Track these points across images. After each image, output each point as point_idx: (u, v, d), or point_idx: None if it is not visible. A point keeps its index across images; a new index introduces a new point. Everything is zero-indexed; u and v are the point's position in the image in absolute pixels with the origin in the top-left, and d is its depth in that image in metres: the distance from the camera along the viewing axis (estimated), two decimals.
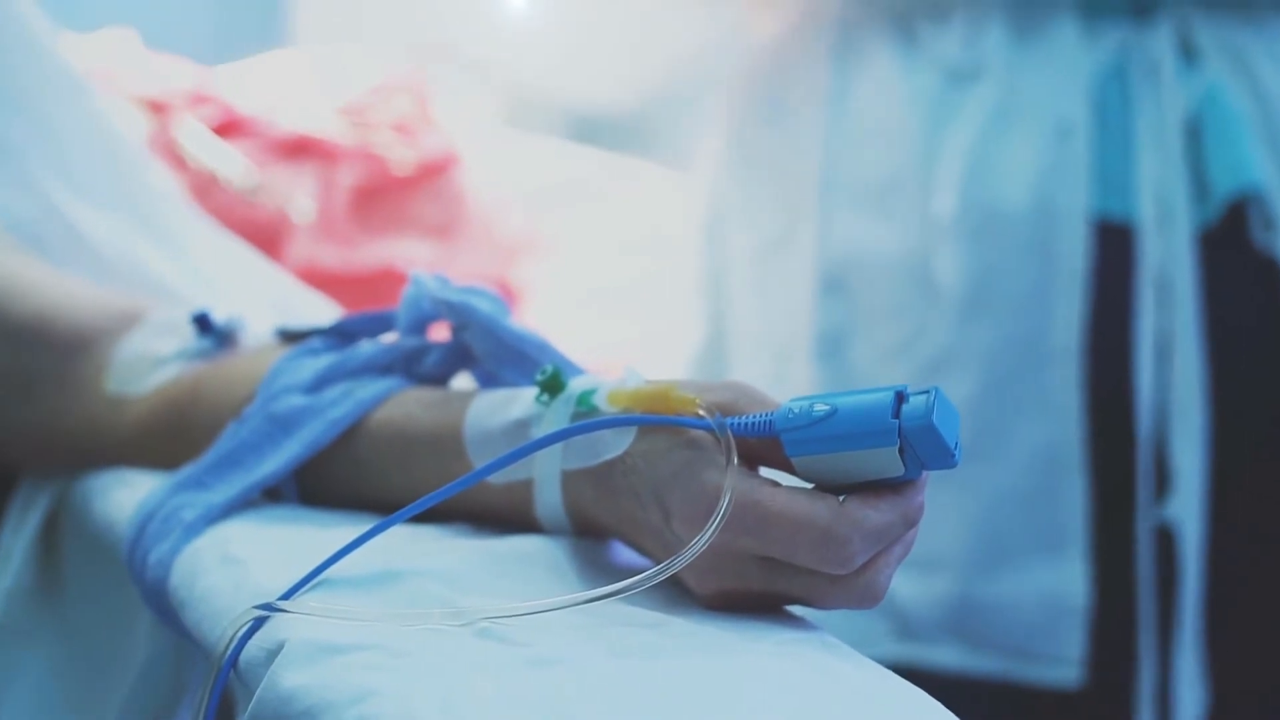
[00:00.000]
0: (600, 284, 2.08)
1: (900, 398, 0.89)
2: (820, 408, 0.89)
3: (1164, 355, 1.63)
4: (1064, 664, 1.66)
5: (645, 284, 2.08)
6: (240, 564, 0.97)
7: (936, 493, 1.68)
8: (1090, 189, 1.65)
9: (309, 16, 2.97)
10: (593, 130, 2.85)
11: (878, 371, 1.72)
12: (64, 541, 1.22)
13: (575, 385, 0.98)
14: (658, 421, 0.93)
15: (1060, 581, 1.65)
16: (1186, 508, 1.63)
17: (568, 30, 2.96)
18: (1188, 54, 1.65)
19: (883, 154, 1.72)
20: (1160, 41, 1.64)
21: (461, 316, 1.05)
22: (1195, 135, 1.63)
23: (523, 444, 0.96)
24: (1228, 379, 1.63)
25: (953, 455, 0.89)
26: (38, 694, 1.21)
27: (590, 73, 2.95)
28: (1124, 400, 1.65)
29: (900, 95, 1.71)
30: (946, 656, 1.66)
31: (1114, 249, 1.65)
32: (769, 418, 0.91)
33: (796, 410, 0.90)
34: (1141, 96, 1.64)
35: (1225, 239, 1.64)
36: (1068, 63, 1.65)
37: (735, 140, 1.84)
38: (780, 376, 1.78)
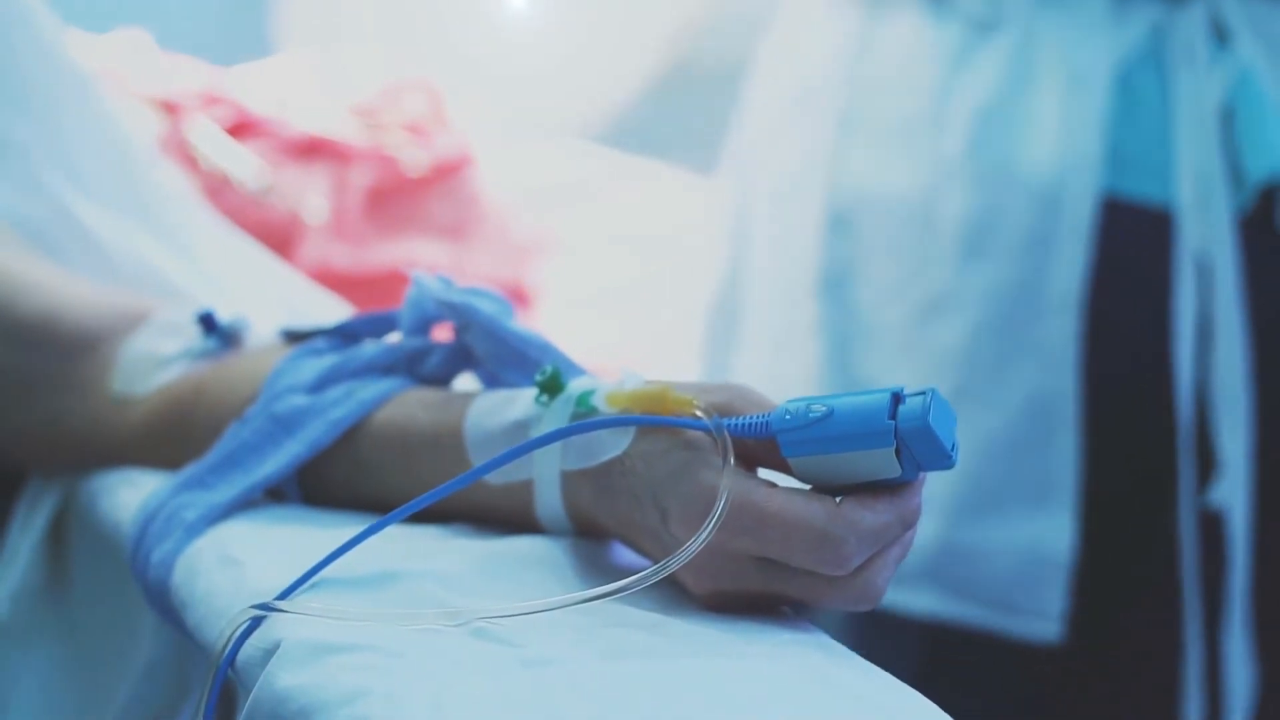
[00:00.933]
0: (606, 284, 2.08)
1: (897, 399, 0.89)
2: (817, 409, 0.89)
3: (1204, 339, 1.62)
4: (1044, 618, 1.64)
5: (653, 284, 2.08)
6: (240, 564, 0.97)
7: None
8: (1114, 155, 1.64)
9: (312, 18, 2.98)
10: (597, 130, 2.86)
11: (879, 310, 1.72)
12: (70, 541, 1.22)
13: (574, 386, 0.98)
14: (655, 422, 0.93)
15: (1045, 534, 1.64)
16: (1234, 491, 1.62)
17: (568, 31, 2.96)
18: (1220, 36, 1.65)
19: (900, 98, 1.72)
20: (1193, 23, 1.64)
21: (463, 317, 1.05)
22: (1229, 119, 1.63)
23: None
24: (1268, 364, 1.63)
25: (949, 456, 0.89)
26: (43, 693, 1.21)
27: (592, 73, 2.95)
28: (1162, 382, 1.64)
29: (923, 42, 1.71)
30: (924, 602, 1.64)
31: (1153, 234, 1.64)
32: (765, 419, 0.91)
33: (793, 411, 0.90)
34: (1176, 80, 1.63)
35: (1260, 224, 1.63)
36: (1091, 23, 1.65)
37: (761, 89, 1.85)
38: (787, 316, 1.79)
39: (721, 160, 1.93)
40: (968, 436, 1.66)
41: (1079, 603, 1.65)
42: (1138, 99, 1.65)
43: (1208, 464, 1.63)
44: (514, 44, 2.96)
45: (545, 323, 1.84)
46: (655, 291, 2.07)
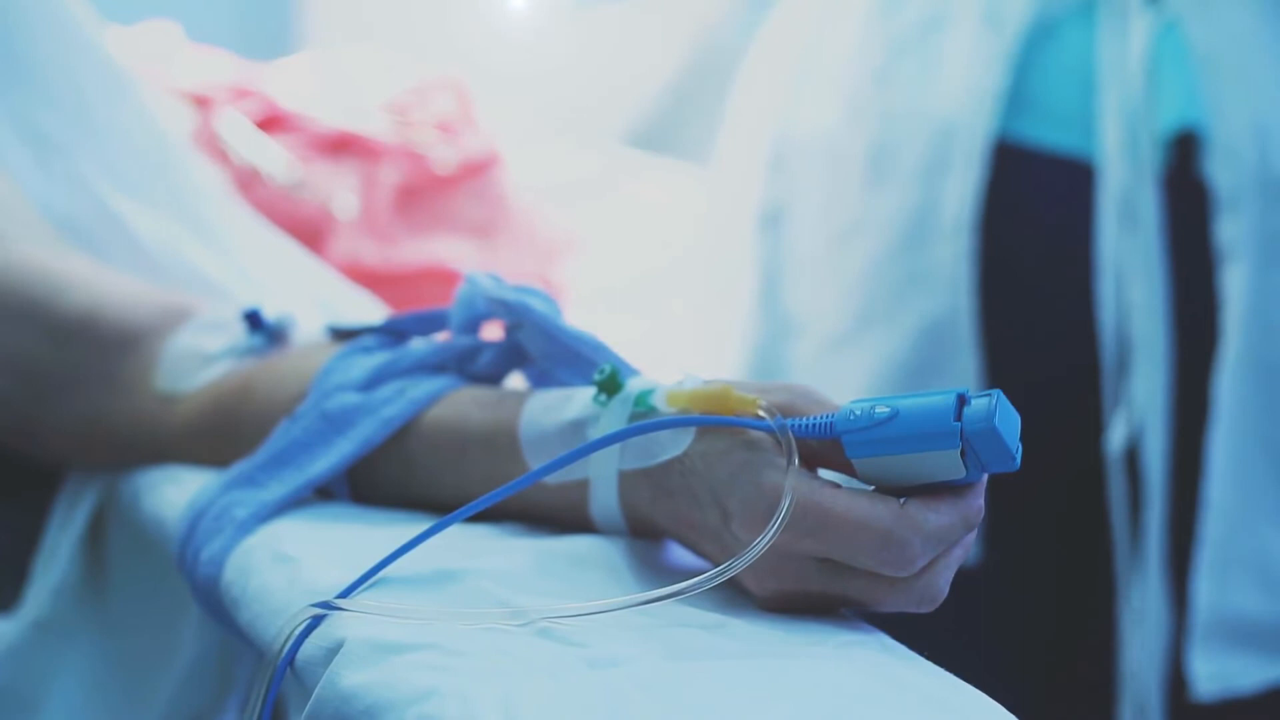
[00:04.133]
0: (624, 280, 2.08)
1: (962, 400, 0.89)
2: (882, 410, 0.89)
3: (1124, 285, 1.64)
4: None
5: (673, 279, 2.09)
6: (294, 562, 0.97)
7: (831, 360, 1.74)
8: (1030, 101, 1.67)
9: (333, 16, 2.98)
10: (616, 127, 2.86)
11: (803, 242, 1.77)
12: (111, 538, 1.22)
13: (633, 386, 0.98)
14: (717, 422, 0.93)
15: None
16: (1152, 439, 1.63)
17: (587, 29, 2.96)
18: None
19: (836, 44, 1.76)
20: None
21: (516, 315, 1.05)
22: (1154, 72, 1.65)
23: (579, 444, 0.96)
24: (1184, 315, 1.64)
25: (1014, 458, 0.89)
26: (83, 690, 1.21)
27: (611, 71, 2.95)
28: (1071, 326, 1.66)
29: None
30: None
31: (1068, 181, 1.65)
32: (830, 419, 0.91)
33: (858, 412, 0.90)
34: (1105, 34, 1.65)
35: (1179, 174, 1.65)
36: None
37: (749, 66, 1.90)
38: (735, 255, 1.84)
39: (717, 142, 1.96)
40: (867, 362, 1.71)
41: (991, 525, 1.66)
42: (1062, 52, 1.66)
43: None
44: (531, 43, 2.96)
45: (568, 319, 1.83)
46: (675, 287, 2.07)
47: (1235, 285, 1.63)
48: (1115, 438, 1.65)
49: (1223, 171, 1.63)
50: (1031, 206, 1.67)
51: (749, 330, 1.82)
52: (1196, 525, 1.64)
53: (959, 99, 1.67)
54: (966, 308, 1.67)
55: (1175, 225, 1.65)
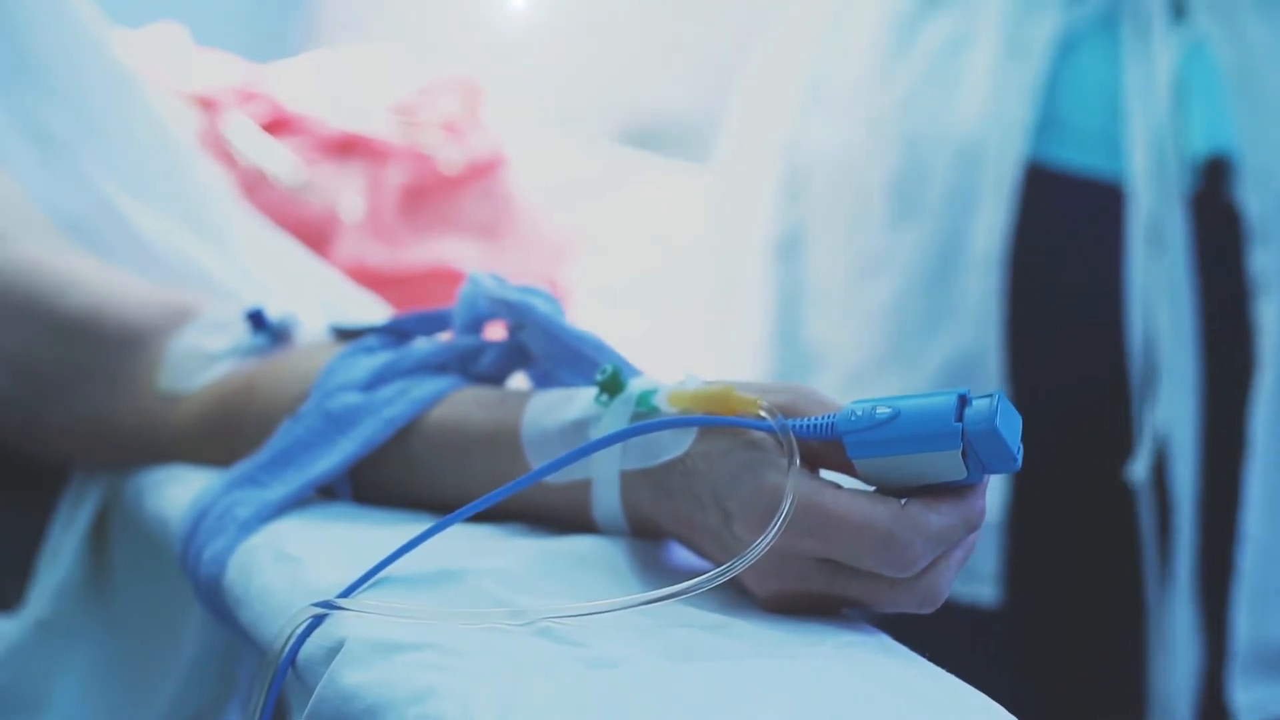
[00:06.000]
0: (627, 279, 2.08)
1: (963, 401, 0.89)
2: (883, 410, 0.89)
3: (1151, 310, 1.62)
4: (980, 580, 1.64)
5: (674, 279, 2.09)
6: (296, 562, 0.97)
7: (854, 395, 1.69)
8: (1057, 124, 1.65)
9: (339, 17, 2.98)
10: (619, 127, 2.86)
11: (822, 272, 1.73)
12: (114, 538, 1.22)
13: (635, 386, 0.98)
14: (719, 423, 0.93)
15: None
16: (1181, 465, 1.62)
17: (588, 28, 2.96)
18: (1176, 10, 1.64)
19: (852, 66, 1.73)
20: None
21: (519, 316, 1.05)
22: (1181, 92, 1.63)
23: (581, 444, 0.96)
24: (1214, 339, 1.63)
25: (1015, 459, 0.89)
26: (86, 689, 1.21)
27: (613, 70, 2.95)
28: (1097, 349, 1.64)
29: (880, 9, 1.72)
30: None
31: (1095, 204, 1.64)
32: (831, 420, 0.91)
33: (860, 413, 0.90)
34: (1128, 52, 1.63)
35: (1209, 198, 1.63)
36: None
37: (751, 71, 1.87)
38: (749, 280, 1.81)
39: (716, 152, 1.95)
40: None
41: (1018, 566, 1.65)
42: (1087, 72, 1.65)
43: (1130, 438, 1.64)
44: (531, 42, 2.96)
45: (571, 319, 1.83)
46: (677, 288, 2.07)
47: (1270, 317, 1.61)
48: (1139, 465, 1.63)
49: (1254, 198, 1.61)
50: (1060, 232, 1.64)
51: (765, 360, 1.80)
52: (1226, 553, 1.63)
53: (985, 124, 1.64)
54: (995, 345, 1.65)
55: (1207, 250, 1.63)
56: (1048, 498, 1.64)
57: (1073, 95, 1.65)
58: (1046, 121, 1.65)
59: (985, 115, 1.65)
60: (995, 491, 1.62)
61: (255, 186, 1.78)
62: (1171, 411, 1.61)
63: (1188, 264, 1.61)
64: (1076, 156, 1.64)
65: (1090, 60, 1.65)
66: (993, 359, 1.65)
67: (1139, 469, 1.62)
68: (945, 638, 1.59)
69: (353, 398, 1.06)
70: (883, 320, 1.69)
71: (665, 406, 0.96)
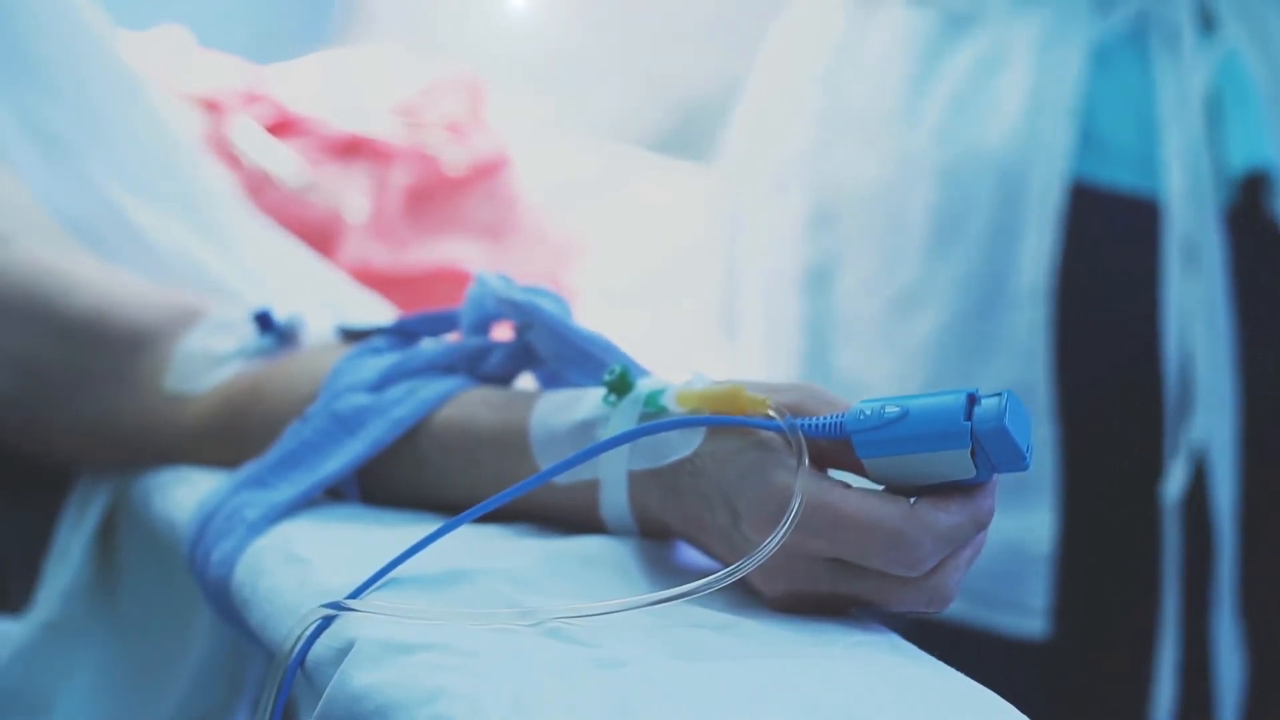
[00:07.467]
0: (627, 279, 2.08)
1: (972, 400, 0.89)
2: (892, 409, 0.89)
3: (1188, 327, 1.61)
4: (1028, 613, 1.63)
5: (676, 279, 2.09)
6: (304, 563, 0.97)
7: None
8: (1091, 142, 1.63)
9: (344, 17, 2.98)
10: (622, 129, 2.86)
11: (856, 304, 1.71)
12: (121, 539, 1.22)
13: (643, 386, 0.98)
14: (727, 422, 0.93)
15: (1026, 528, 1.61)
16: (1221, 484, 1.61)
17: (588, 29, 2.96)
18: (1206, 23, 1.63)
19: (877, 92, 1.70)
20: (1179, 9, 1.62)
21: (526, 316, 1.05)
22: (1214, 107, 1.61)
23: (589, 444, 0.96)
24: (1253, 357, 1.61)
25: (1024, 458, 0.89)
26: (93, 691, 1.21)
27: (612, 71, 2.95)
28: (1142, 372, 1.63)
29: (902, 36, 1.69)
30: None
31: (1132, 222, 1.62)
32: (840, 419, 0.91)
33: (868, 412, 0.90)
34: (1160, 67, 1.62)
35: (1247, 213, 1.62)
36: (1073, 13, 1.63)
37: (755, 86, 1.85)
38: (774, 312, 1.78)
39: (718, 155, 1.93)
40: None
41: (1066, 598, 1.64)
42: (1118, 87, 1.63)
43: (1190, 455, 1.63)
44: (532, 42, 2.96)
45: (577, 319, 1.83)
46: (680, 287, 2.07)
47: None
48: (1172, 486, 1.61)
49: None
50: (1103, 254, 1.61)
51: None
52: (1261, 572, 1.62)
53: (1026, 147, 1.61)
54: (1044, 377, 1.62)
55: (1245, 266, 1.62)
56: (1097, 525, 1.63)
57: (1107, 112, 1.63)
58: (1084, 140, 1.63)
59: (1025, 137, 1.62)
60: (1043, 523, 1.61)
61: (260, 188, 1.78)
62: (1209, 430, 1.60)
63: (1225, 281, 1.60)
64: (1115, 175, 1.62)
65: (1121, 75, 1.63)
66: (1042, 391, 1.62)
67: (1171, 489, 1.60)
68: (992, 669, 1.59)
69: (360, 399, 1.06)
70: (924, 354, 1.66)
71: (673, 406, 0.96)
